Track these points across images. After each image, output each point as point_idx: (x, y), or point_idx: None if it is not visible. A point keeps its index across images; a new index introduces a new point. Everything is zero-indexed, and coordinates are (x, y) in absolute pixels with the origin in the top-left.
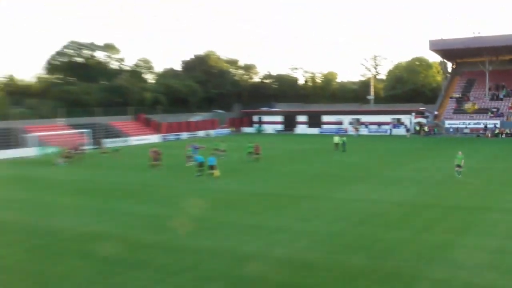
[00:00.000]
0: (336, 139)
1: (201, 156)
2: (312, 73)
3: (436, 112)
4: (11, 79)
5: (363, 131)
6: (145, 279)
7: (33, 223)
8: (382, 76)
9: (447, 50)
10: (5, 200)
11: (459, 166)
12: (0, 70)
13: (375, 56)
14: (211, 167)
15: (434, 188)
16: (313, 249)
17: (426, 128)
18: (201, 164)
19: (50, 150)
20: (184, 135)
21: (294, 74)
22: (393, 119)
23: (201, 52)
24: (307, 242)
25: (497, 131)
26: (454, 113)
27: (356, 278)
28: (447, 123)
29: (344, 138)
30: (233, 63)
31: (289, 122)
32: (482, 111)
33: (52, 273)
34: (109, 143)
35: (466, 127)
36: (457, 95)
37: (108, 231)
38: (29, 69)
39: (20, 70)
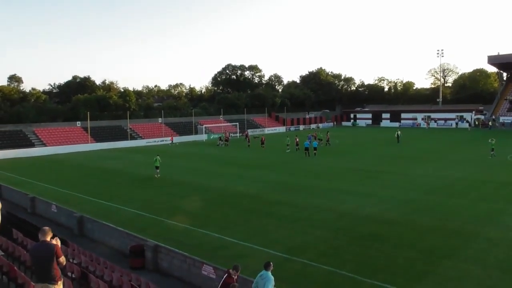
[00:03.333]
0: (398, 132)
1: (307, 142)
2: (395, 83)
3: (492, 116)
4: (191, 89)
5: (433, 125)
6: (273, 223)
7: (200, 183)
8: (449, 84)
9: (502, 63)
10: (185, 167)
11: (492, 149)
12: (186, 84)
13: (444, 69)
14: (314, 149)
15: (490, 168)
16: (393, 210)
17: (490, 123)
18: (307, 148)
19: (214, 136)
20: (301, 127)
21: (381, 83)
22: (457, 116)
23: (314, 68)
24: (388, 205)
25: None
26: (507, 111)
27: (425, 233)
28: (501, 119)
29: (400, 132)
30: (337, 77)
31: (376, 118)
32: None
33: (214, 215)
34: (251, 132)
35: None
36: (511, 98)
37: (246, 191)
38: (202, 83)
39: (196, 84)
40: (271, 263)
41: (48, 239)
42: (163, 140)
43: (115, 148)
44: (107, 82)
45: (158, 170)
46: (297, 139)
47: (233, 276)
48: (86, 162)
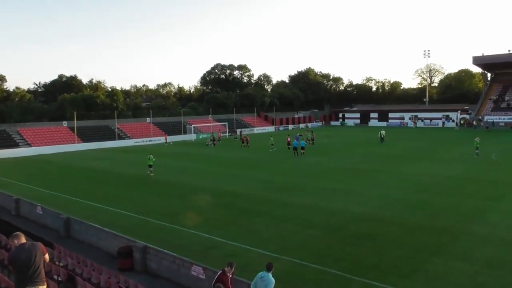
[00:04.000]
0: (381, 132)
1: (295, 142)
2: (382, 82)
3: (478, 115)
4: (180, 89)
5: (420, 124)
6: (264, 223)
7: (190, 183)
8: (435, 84)
9: (487, 64)
10: (174, 167)
11: (477, 148)
12: (174, 84)
13: (430, 70)
14: (302, 148)
15: (475, 167)
16: (383, 209)
17: (475, 122)
18: (295, 148)
19: (202, 136)
20: (290, 126)
21: (369, 83)
22: (443, 115)
23: (302, 68)
24: (378, 203)
25: None
26: (492, 110)
27: (414, 231)
28: (486, 118)
29: (384, 132)
30: (326, 76)
31: (364, 118)
32: None
33: (204, 215)
34: (239, 132)
35: (501, 122)
36: (494, 98)
37: (237, 190)
38: (191, 82)
39: (185, 83)
40: (273, 264)
41: (25, 241)
42: (151, 140)
43: (102, 148)
44: (94, 81)
45: (151, 169)
46: (289, 139)
47: (228, 274)
48: (73, 162)
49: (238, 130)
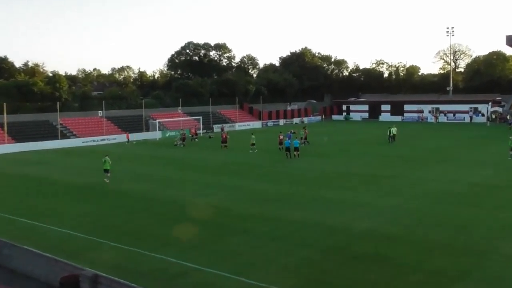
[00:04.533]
0: (391, 129)
1: (287, 141)
2: (396, 67)
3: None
4: (141, 74)
5: (442, 119)
6: (247, 243)
7: (154, 193)
8: (461, 69)
9: None
10: (134, 173)
11: (511, 149)
12: (134, 68)
13: (455, 51)
14: (296, 149)
15: (509, 171)
16: (394, 224)
17: (509, 116)
18: (287, 149)
19: (170, 133)
20: (281, 122)
21: (379, 68)
22: (471, 108)
23: (297, 49)
24: (388, 217)
25: None
26: None
27: (433, 251)
28: None
29: (395, 129)
30: (326, 59)
31: (374, 110)
32: None
33: (171, 234)
34: (218, 128)
35: None
36: None
37: (215, 203)
38: (155, 65)
39: (148, 67)
40: None
41: None
42: (104, 139)
43: (41, 150)
44: (30, 64)
45: (108, 174)
46: (281, 137)
47: None
48: (3, 168)
49: (218, 126)
